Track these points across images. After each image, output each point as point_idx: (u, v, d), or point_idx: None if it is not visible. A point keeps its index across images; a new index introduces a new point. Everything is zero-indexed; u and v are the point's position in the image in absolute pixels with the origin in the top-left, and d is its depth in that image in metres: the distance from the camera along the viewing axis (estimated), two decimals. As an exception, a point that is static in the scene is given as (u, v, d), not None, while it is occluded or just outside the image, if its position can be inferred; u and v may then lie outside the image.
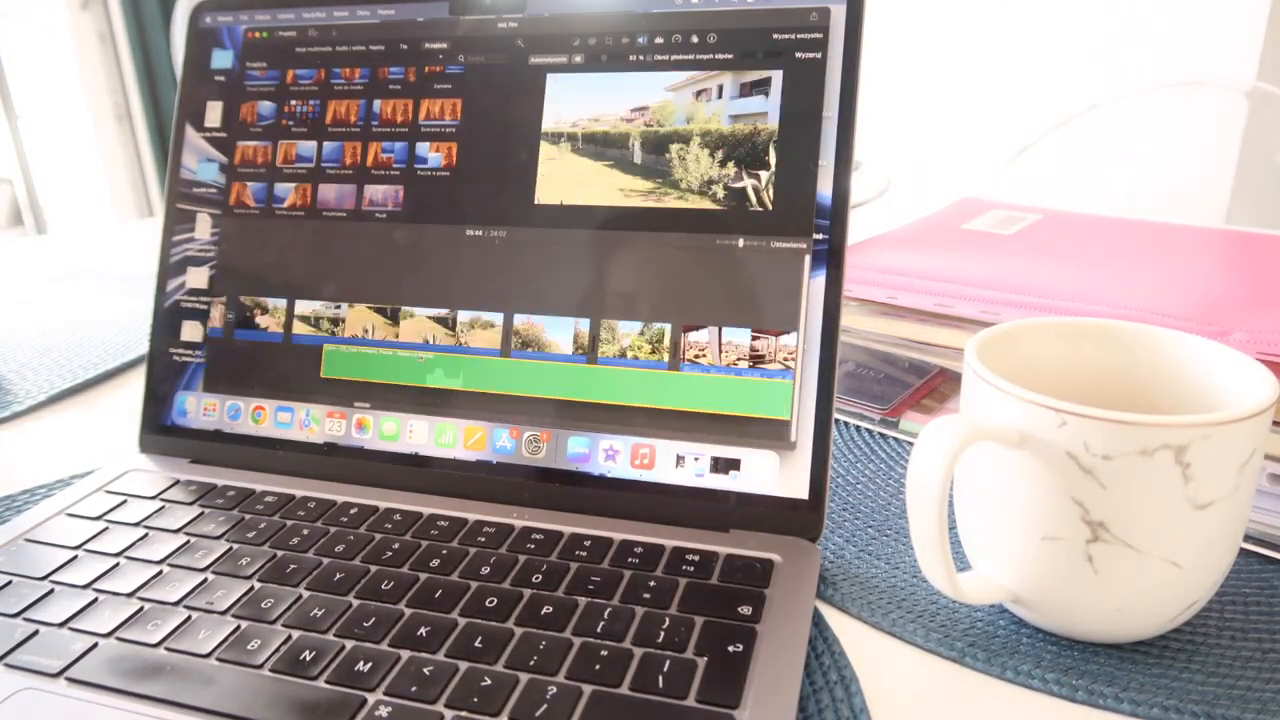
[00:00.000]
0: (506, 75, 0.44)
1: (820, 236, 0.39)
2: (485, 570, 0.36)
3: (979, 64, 1.49)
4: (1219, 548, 0.31)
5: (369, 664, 0.31)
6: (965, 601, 0.33)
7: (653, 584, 0.35)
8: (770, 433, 0.39)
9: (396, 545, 0.38)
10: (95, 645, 0.32)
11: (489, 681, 0.30)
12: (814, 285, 0.39)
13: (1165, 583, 0.31)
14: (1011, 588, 0.33)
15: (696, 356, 0.40)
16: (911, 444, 0.48)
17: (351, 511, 0.41)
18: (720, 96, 0.41)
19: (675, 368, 0.40)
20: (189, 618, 0.34)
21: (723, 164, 0.40)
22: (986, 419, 0.32)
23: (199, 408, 0.46)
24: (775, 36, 0.40)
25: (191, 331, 0.47)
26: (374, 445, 0.43)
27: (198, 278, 0.47)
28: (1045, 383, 0.37)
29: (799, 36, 0.40)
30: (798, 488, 0.38)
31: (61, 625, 0.33)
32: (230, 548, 0.38)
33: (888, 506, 0.43)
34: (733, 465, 0.39)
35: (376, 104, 0.46)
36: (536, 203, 0.43)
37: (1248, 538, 0.39)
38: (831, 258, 0.39)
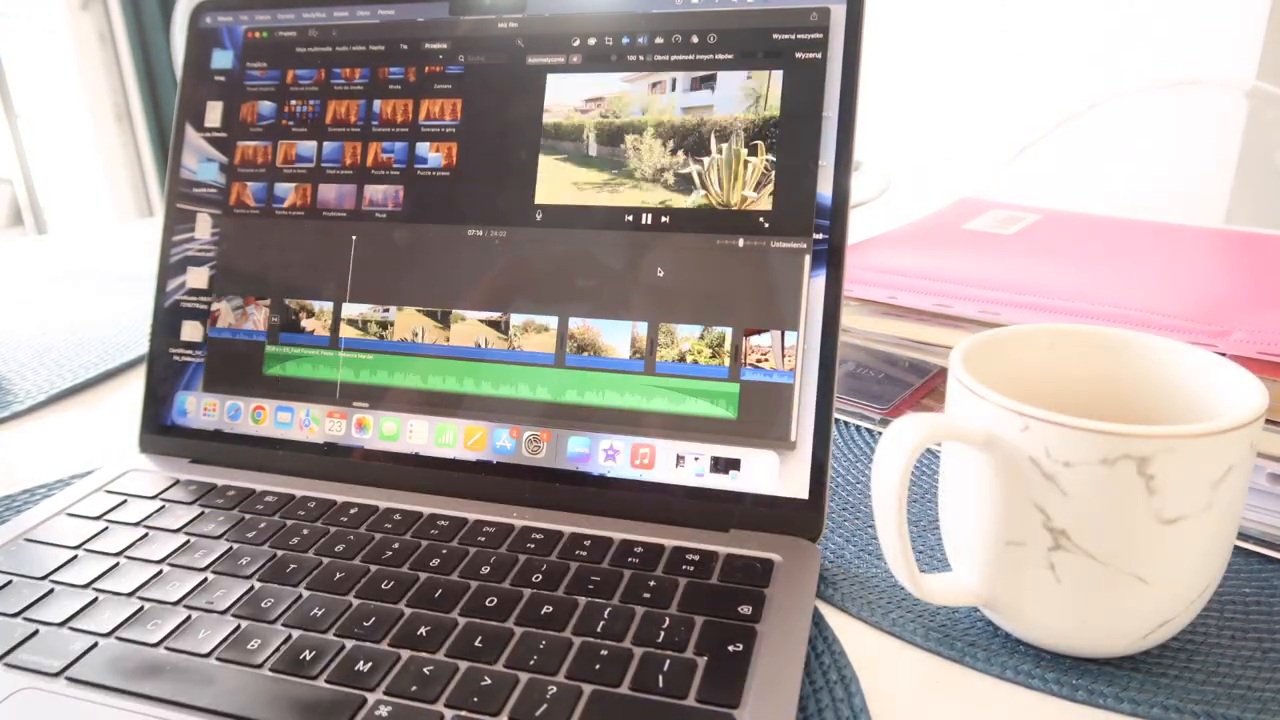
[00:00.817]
0: (506, 75, 0.44)
1: (820, 236, 0.39)
2: (485, 570, 0.36)
3: (979, 64, 1.50)
4: (1191, 565, 0.30)
5: (369, 664, 0.31)
6: (930, 601, 0.33)
7: (653, 584, 0.35)
8: (770, 432, 0.39)
9: (396, 545, 0.38)
10: (95, 645, 0.32)
11: (489, 681, 0.30)
12: (814, 285, 0.39)
13: (1131, 597, 0.30)
14: (979, 591, 0.33)
15: (697, 356, 0.40)
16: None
17: (351, 511, 0.41)
18: (674, 90, 0.41)
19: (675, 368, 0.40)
20: (189, 617, 0.34)
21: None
22: (952, 419, 0.31)
23: (199, 408, 0.46)
24: (775, 36, 0.40)
25: (191, 331, 0.47)
26: (374, 445, 0.43)
27: (198, 278, 0.47)
28: (1041, 390, 0.36)
29: (799, 36, 0.40)
30: (798, 488, 0.38)
31: (61, 625, 0.33)
32: (230, 547, 0.38)
33: (888, 506, 0.43)
34: (732, 465, 0.39)
35: (376, 104, 0.46)
36: (536, 202, 0.43)
37: (1248, 538, 0.39)
38: (831, 257, 0.39)
